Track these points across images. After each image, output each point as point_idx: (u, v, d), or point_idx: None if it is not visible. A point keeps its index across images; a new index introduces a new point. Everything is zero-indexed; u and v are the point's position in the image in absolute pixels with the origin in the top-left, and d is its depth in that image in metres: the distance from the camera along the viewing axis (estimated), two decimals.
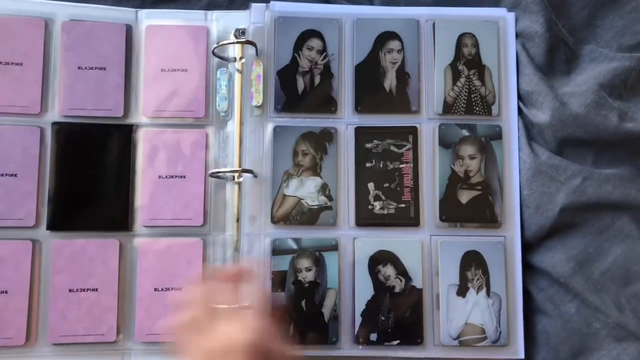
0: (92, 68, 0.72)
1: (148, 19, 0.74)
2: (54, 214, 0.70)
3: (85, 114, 0.71)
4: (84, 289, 0.69)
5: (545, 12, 0.72)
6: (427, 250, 0.70)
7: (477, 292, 0.69)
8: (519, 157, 0.72)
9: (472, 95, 0.73)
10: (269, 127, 0.71)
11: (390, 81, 0.73)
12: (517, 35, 0.74)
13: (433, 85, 0.73)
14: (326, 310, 0.69)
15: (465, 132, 0.72)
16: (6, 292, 0.68)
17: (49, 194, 0.70)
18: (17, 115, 0.71)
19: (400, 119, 0.72)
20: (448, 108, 0.72)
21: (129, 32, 0.73)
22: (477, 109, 0.72)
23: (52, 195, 0.70)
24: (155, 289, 0.69)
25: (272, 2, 0.73)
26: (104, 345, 0.69)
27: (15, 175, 0.69)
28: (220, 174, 0.71)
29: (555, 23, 0.73)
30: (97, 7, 0.74)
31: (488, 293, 0.69)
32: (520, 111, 0.73)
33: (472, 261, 0.70)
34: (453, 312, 0.69)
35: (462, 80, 0.73)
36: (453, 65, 0.73)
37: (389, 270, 0.69)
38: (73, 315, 0.68)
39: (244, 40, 0.72)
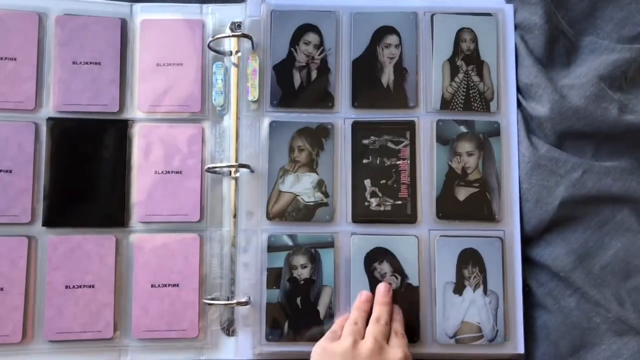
0: (86, 63, 0.71)
1: (143, 12, 0.73)
2: (49, 210, 0.69)
3: (80, 109, 0.71)
4: (80, 286, 0.68)
5: (544, 3, 0.72)
6: (423, 247, 0.70)
7: (474, 290, 0.68)
8: (518, 151, 0.71)
9: (471, 91, 0.72)
10: (265, 122, 0.71)
11: (387, 76, 0.72)
12: (515, 27, 0.73)
13: (431, 80, 0.72)
14: (322, 308, 0.68)
15: (463, 129, 0.71)
16: (2, 289, 0.67)
17: (44, 190, 0.69)
18: (11, 111, 0.70)
19: (398, 115, 0.72)
20: (446, 104, 0.71)
21: (123, 27, 0.73)
22: (475, 105, 0.72)
23: (48, 191, 0.69)
24: (152, 285, 0.69)
25: None
26: (101, 342, 0.68)
27: (10, 171, 0.69)
28: (217, 169, 0.71)
29: (554, 14, 0.72)
30: (91, 1, 0.73)
31: (485, 291, 0.68)
32: (519, 104, 0.72)
33: (469, 259, 0.69)
34: (449, 310, 0.68)
35: (461, 75, 0.72)
36: (451, 61, 0.72)
37: (385, 268, 0.69)
38: (69, 312, 0.68)
39: (239, 33, 0.71)
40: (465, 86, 0.72)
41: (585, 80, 0.70)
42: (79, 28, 0.72)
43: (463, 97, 0.72)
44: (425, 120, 0.71)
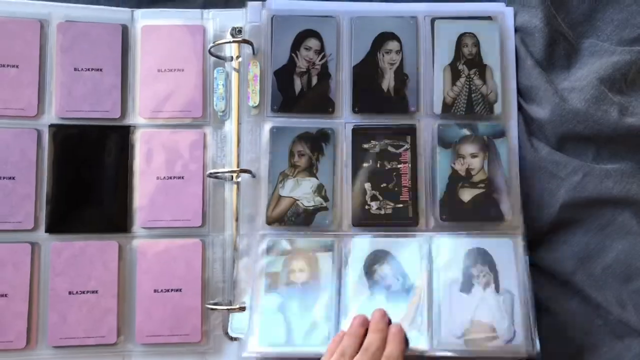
0: (88, 69, 0.72)
1: (144, 18, 0.74)
2: (52, 216, 0.70)
3: (82, 115, 0.71)
4: (83, 291, 0.69)
5: (544, 6, 0.72)
6: (425, 249, 0.69)
7: (484, 288, 0.67)
8: (519, 154, 0.71)
9: (473, 95, 0.72)
10: (266, 128, 0.71)
11: (388, 82, 0.72)
12: (516, 30, 0.73)
13: (432, 85, 0.72)
14: (319, 312, 0.67)
15: (465, 131, 0.71)
16: (6, 295, 0.68)
17: (47, 197, 0.70)
18: (13, 118, 0.70)
19: (399, 120, 0.72)
20: (447, 108, 0.71)
21: (125, 33, 0.73)
22: (478, 108, 0.71)
23: (51, 197, 0.70)
24: (155, 291, 0.69)
25: (268, 1, 0.73)
26: (105, 348, 0.69)
27: (13, 178, 0.69)
28: (219, 174, 0.71)
29: (554, 17, 0.72)
30: (92, 8, 0.74)
31: (497, 289, 0.67)
32: (519, 107, 0.72)
33: (478, 258, 0.68)
34: (456, 309, 0.66)
35: (462, 79, 0.72)
36: (452, 65, 0.72)
37: (385, 270, 0.68)
38: (73, 317, 0.68)
39: (240, 39, 0.72)
40: (467, 90, 0.72)
41: (586, 82, 0.70)
42: (81, 34, 0.72)
43: (465, 101, 0.72)
44: (427, 124, 0.71)
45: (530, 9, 0.72)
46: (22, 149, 0.70)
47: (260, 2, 0.73)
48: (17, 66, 0.71)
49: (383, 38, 0.73)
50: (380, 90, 0.72)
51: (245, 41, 0.72)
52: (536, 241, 0.70)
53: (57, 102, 0.71)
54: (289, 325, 0.67)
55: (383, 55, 0.72)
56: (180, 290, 0.69)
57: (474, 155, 0.70)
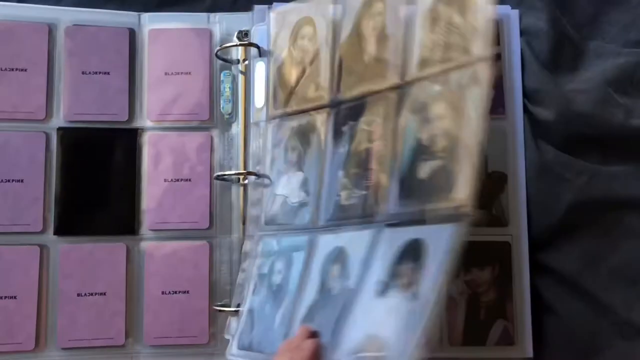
0: (96, 73, 0.72)
1: (151, 22, 0.74)
2: (60, 219, 0.70)
3: (90, 118, 0.72)
4: (92, 293, 0.69)
5: (549, 8, 0.72)
6: (372, 242, 0.55)
7: (403, 292, 0.49)
8: (525, 156, 0.71)
9: (451, 37, 0.53)
10: (270, 128, 0.70)
11: (370, 50, 0.62)
12: (521, 33, 0.73)
13: (411, 40, 0.57)
14: (279, 317, 0.61)
15: (437, 87, 0.53)
16: (15, 297, 0.68)
17: (55, 199, 0.70)
18: (22, 121, 0.71)
19: (376, 90, 0.59)
20: (424, 63, 0.55)
21: (132, 36, 0.73)
22: (454, 55, 0.52)
23: (59, 200, 0.70)
24: (163, 292, 0.70)
25: (274, 4, 0.73)
26: (113, 349, 0.69)
27: (22, 181, 0.70)
28: (226, 177, 0.71)
29: (560, 19, 0.72)
30: (100, 12, 0.74)
31: (416, 295, 0.48)
32: (525, 109, 0.72)
33: (409, 252, 0.50)
34: (361, 319, 0.52)
35: (442, 23, 0.54)
36: (432, 9, 0.55)
37: (335, 270, 0.59)
38: (81, 319, 0.69)
39: (246, 42, 0.72)
40: (446, 34, 0.53)
41: (592, 85, 0.70)
42: (88, 38, 0.73)
43: (442, 49, 0.54)
44: (402, 89, 0.57)
45: (535, 11, 0.72)
46: (30, 152, 0.70)
47: (267, 5, 0.73)
48: (25, 70, 0.71)
49: (368, 2, 0.63)
50: (362, 61, 0.62)
51: (251, 44, 0.72)
52: (542, 242, 0.70)
53: (65, 105, 0.71)
54: (258, 329, 0.64)
55: (368, 22, 0.63)
56: (187, 292, 0.70)
57: (441, 117, 0.52)
